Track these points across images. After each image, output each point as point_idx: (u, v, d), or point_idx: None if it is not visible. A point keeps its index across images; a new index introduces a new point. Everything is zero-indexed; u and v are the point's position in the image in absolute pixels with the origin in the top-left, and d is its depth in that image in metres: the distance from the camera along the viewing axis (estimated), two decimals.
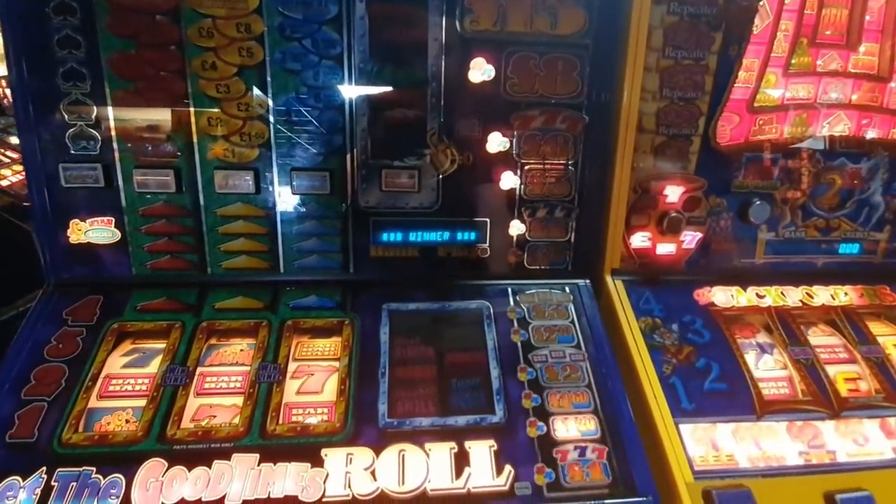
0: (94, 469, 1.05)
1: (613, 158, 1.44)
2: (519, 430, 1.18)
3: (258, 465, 1.08)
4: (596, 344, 1.35)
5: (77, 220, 1.34)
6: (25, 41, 1.23)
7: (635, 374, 1.31)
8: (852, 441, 1.25)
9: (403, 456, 1.11)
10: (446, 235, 1.46)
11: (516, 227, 1.48)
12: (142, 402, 1.17)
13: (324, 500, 1.05)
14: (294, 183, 1.36)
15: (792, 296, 1.54)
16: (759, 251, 1.57)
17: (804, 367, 1.37)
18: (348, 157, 1.37)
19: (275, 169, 1.36)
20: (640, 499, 1.09)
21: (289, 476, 1.07)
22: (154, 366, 1.25)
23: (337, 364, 1.28)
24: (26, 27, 1.23)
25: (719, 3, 1.34)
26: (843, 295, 1.56)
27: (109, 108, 1.28)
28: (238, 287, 1.41)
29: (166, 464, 1.07)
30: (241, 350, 1.31)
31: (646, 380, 1.29)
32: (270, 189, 1.37)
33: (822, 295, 1.55)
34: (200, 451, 1.10)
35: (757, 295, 1.53)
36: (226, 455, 1.09)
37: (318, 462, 1.09)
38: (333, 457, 1.10)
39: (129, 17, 1.24)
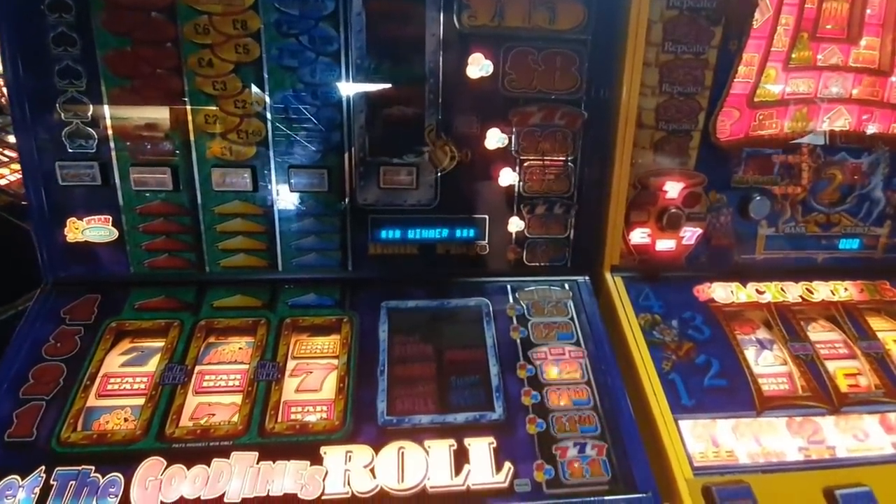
0: (93, 468, 1.05)
1: (613, 154, 1.43)
2: (518, 427, 1.17)
3: (257, 463, 1.08)
4: (595, 341, 1.35)
5: (74, 219, 1.34)
6: (20, 39, 1.22)
7: (635, 370, 1.31)
8: (852, 436, 1.24)
9: (403, 453, 1.11)
10: (445, 233, 1.45)
11: (515, 224, 1.47)
12: (140, 401, 1.17)
13: (323, 497, 1.05)
14: (292, 181, 1.36)
15: (792, 291, 1.54)
16: (759, 247, 1.56)
17: (804, 362, 1.37)
18: (346, 154, 1.36)
19: (272, 166, 1.35)
20: (640, 495, 1.09)
21: (288, 474, 1.07)
22: (152, 364, 1.25)
23: (336, 362, 1.28)
24: (21, 25, 1.22)
25: None
26: (843, 290, 1.55)
27: (106, 106, 1.28)
28: (236, 285, 1.40)
29: (165, 462, 1.07)
30: (240, 348, 1.31)
31: (645, 376, 1.29)
32: (268, 187, 1.37)
33: (822, 290, 1.55)
34: (199, 449, 1.10)
35: (757, 291, 1.52)
36: (225, 453, 1.09)
37: (317, 460, 1.09)
38: (332, 455, 1.10)
39: (125, 15, 1.23)
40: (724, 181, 1.49)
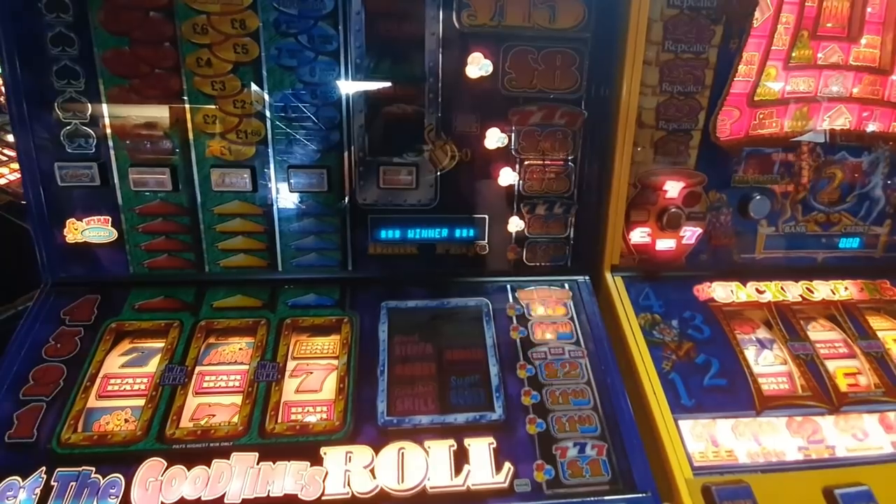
0: (94, 469, 1.05)
1: (613, 154, 1.43)
2: (518, 427, 1.17)
3: (257, 463, 1.08)
4: (595, 340, 1.35)
5: (73, 220, 1.34)
6: (18, 39, 1.22)
7: (635, 370, 1.31)
8: (852, 436, 1.25)
9: (403, 454, 1.11)
10: (445, 232, 1.45)
11: (515, 224, 1.47)
12: (140, 402, 1.17)
13: (323, 498, 1.05)
14: (291, 180, 1.35)
15: (792, 291, 1.53)
16: (759, 246, 1.56)
17: (804, 362, 1.37)
18: (346, 154, 1.36)
19: (272, 166, 1.35)
20: (640, 495, 1.09)
21: (288, 475, 1.07)
22: (152, 365, 1.25)
23: (336, 362, 1.28)
24: (19, 25, 1.21)
25: None
26: (844, 290, 1.55)
27: (104, 106, 1.27)
28: (236, 285, 1.40)
29: (165, 463, 1.07)
30: (240, 349, 1.30)
31: (645, 376, 1.29)
32: (268, 186, 1.36)
33: (822, 290, 1.55)
34: (199, 450, 1.10)
35: (757, 290, 1.52)
36: (225, 454, 1.09)
37: (317, 460, 1.09)
38: (333, 455, 1.10)
39: (123, 14, 1.23)
40: (725, 180, 1.49)
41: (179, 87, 1.27)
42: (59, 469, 1.05)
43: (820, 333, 1.46)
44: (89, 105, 1.27)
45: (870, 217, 1.58)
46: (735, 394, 1.28)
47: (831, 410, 1.28)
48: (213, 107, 1.30)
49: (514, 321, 1.38)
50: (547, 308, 1.42)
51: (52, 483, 1.03)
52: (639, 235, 1.51)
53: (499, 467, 1.11)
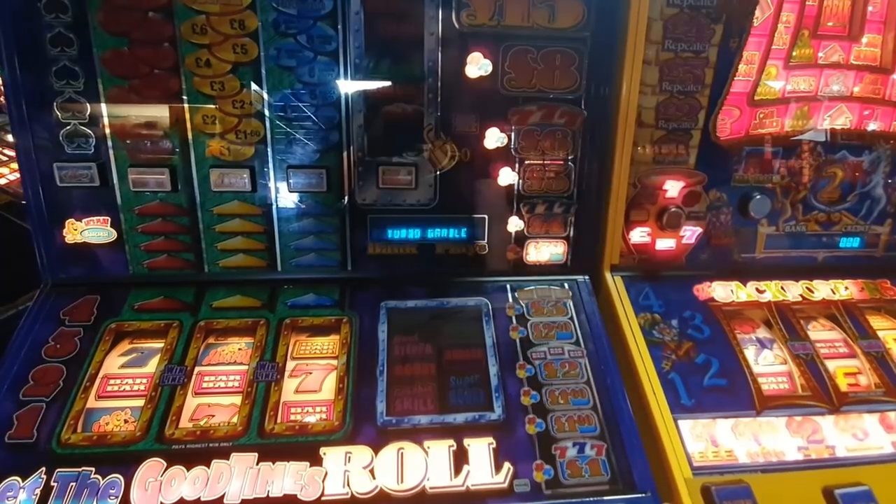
0: (93, 469, 1.06)
1: (612, 153, 1.43)
2: (518, 427, 1.17)
3: (257, 464, 1.08)
4: (595, 340, 1.35)
5: (73, 220, 1.34)
6: (17, 39, 1.22)
7: (634, 370, 1.31)
8: (852, 436, 1.24)
9: (402, 454, 1.11)
10: (444, 232, 1.45)
11: (515, 224, 1.47)
12: (140, 402, 1.17)
13: (323, 498, 1.05)
14: (291, 180, 1.35)
15: (792, 290, 1.53)
16: (760, 245, 1.56)
17: (804, 361, 1.37)
18: (345, 154, 1.36)
19: (271, 166, 1.35)
20: (639, 495, 1.09)
21: (287, 475, 1.07)
22: (152, 365, 1.25)
23: (335, 362, 1.28)
24: (18, 25, 1.21)
25: None
26: (844, 289, 1.55)
27: (103, 106, 1.27)
28: (235, 286, 1.40)
29: (165, 463, 1.07)
30: (239, 349, 1.30)
31: (645, 376, 1.29)
32: (267, 187, 1.36)
33: (823, 289, 1.54)
34: (199, 450, 1.10)
35: (757, 290, 1.52)
36: (224, 454, 1.09)
37: (316, 461, 1.09)
38: (332, 455, 1.10)
39: (122, 14, 1.22)
40: (725, 180, 1.48)
41: (179, 88, 1.27)
42: (58, 469, 1.05)
43: (820, 333, 1.46)
44: (88, 105, 1.27)
45: (870, 216, 1.58)
46: (735, 394, 1.28)
47: (831, 410, 1.28)
48: (213, 107, 1.30)
49: (514, 321, 1.38)
50: (546, 308, 1.42)
51: (52, 483, 1.03)
52: (639, 235, 1.50)
53: (498, 467, 1.11)
